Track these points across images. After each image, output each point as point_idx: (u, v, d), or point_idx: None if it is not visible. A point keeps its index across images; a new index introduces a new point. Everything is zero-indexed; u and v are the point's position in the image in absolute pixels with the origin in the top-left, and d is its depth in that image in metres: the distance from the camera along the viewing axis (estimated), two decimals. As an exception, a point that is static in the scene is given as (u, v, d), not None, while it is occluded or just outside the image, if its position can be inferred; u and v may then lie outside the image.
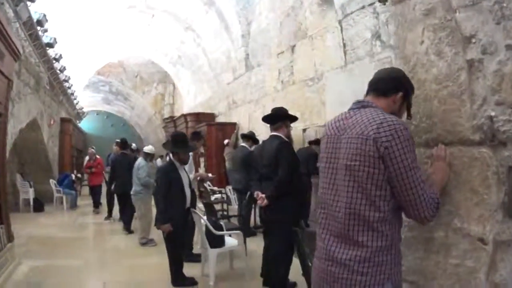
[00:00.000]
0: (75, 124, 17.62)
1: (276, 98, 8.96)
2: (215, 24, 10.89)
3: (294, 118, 4.36)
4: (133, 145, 10.36)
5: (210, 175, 6.70)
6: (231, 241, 4.87)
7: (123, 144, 8.62)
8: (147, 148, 7.26)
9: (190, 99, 16.47)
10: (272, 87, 9.13)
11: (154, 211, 7.44)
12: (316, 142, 6.82)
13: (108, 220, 9.40)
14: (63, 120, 14.35)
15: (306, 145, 7.81)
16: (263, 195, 3.88)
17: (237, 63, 10.81)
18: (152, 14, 12.20)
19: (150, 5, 11.56)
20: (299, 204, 4.14)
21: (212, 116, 13.09)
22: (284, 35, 8.59)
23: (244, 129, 10.60)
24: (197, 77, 14.60)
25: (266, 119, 4.27)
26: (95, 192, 11.20)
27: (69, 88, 13.89)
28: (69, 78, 12.94)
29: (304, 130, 8.05)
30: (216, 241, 4.57)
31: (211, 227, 4.46)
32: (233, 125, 11.20)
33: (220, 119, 12.64)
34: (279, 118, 4.19)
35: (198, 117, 13.03)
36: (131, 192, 6.78)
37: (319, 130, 7.54)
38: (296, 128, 8.19)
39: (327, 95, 7.35)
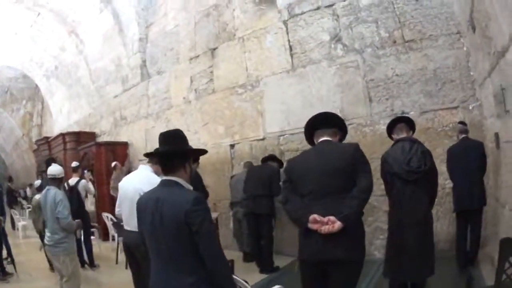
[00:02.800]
0: None
1: (187, 110, 7.46)
2: (108, 26, 9.07)
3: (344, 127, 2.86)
4: None
5: None
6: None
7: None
8: (56, 170, 4.30)
9: (63, 119, 13.97)
10: (180, 97, 7.62)
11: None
12: (273, 158, 5.48)
13: None
14: None
15: (239, 164, 6.42)
16: (331, 217, 2.35)
17: (130, 72, 9.00)
18: (38, 13, 9.77)
19: (39, 2, 9.22)
20: None
21: (93, 135, 10.85)
22: (201, 37, 7.37)
23: (139, 149, 8.62)
24: (74, 92, 12.26)
25: (316, 121, 2.79)
26: None
27: None
28: None
29: (232, 146, 6.70)
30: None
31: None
32: (124, 145, 9.21)
33: (102, 139, 10.33)
34: (336, 121, 2.79)
35: (78, 136, 10.65)
36: (46, 241, 4.19)
37: (256, 145, 6.32)
38: (220, 145, 6.81)
39: (266, 104, 6.28)
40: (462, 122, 4.35)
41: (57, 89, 13.55)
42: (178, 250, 1.89)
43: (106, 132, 10.40)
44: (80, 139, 10.48)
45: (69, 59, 11.28)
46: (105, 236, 7.59)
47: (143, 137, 8.67)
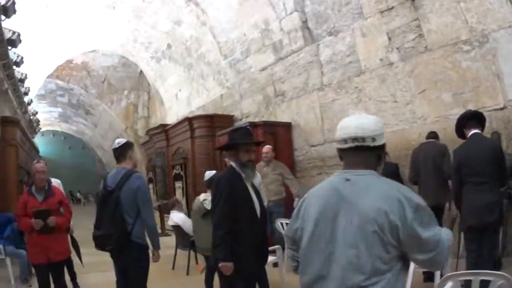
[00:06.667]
0: (25, 130, 10.95)
1: (388, 75, 6.61)
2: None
3: None
4: None
5: None
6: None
7: None
8: None
9: (181, 105, 12.99)
10: (375, 59, 6.76)
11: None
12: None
13: None
14: (4, 121, 8.27)
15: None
16: None
17: (285, 36, 8.09)
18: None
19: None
20: None
21: (230, 119, 9.49)
22: (393, -16, 6.31)
23: (310, 130, 7.81)
24: (195, 72, 11.32)
25: None
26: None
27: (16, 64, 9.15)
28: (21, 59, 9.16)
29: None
30: None
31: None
32: (287, 126, 8.05)
33: (242, 123, 9.01)
34: None
35: (211, 121, 9.15)
36: None
37: (495, 116, 5.47)
38: (447, 118, 6.00)
39: (502, 64, 5.35)
40: None
41: (171, 72, 12.55)
42: None
43: (251, 115, 9.27)
44: (214, 123, 9.03)
45: (187, 33, 10.23)
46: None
47: (317, 115, 7.71)
